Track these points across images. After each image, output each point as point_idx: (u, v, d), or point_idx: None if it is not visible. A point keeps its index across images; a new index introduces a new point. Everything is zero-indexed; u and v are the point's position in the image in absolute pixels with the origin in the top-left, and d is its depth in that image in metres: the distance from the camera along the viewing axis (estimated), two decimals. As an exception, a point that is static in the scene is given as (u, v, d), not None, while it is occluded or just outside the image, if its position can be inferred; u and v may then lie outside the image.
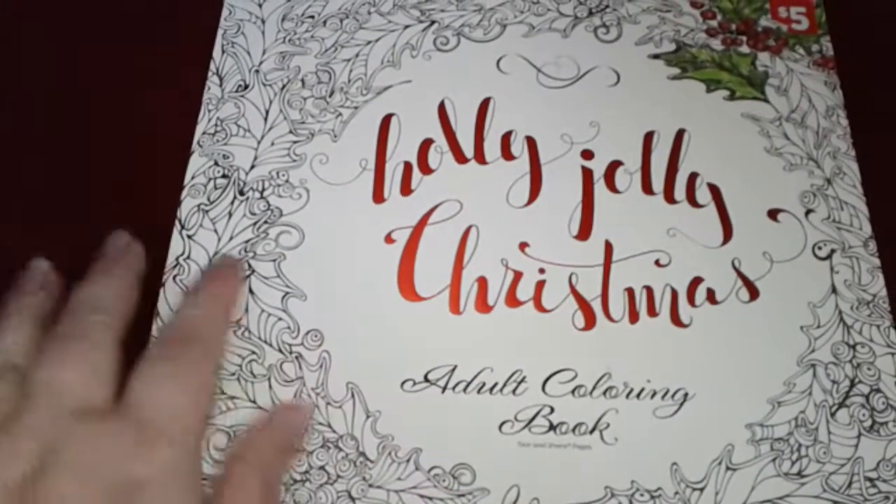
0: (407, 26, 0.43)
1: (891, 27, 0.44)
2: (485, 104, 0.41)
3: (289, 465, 0.33)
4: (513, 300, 0.37)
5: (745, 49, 0.43)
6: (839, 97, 0.41)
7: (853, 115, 0.41)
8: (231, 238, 0.38)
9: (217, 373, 0.34)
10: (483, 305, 0.37)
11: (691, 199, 0.39)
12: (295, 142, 0.40)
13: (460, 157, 0.40)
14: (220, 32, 0.42)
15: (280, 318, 0.36)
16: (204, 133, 0.40)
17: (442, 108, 0.41)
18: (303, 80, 0.41)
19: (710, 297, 0.37)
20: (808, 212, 0.39)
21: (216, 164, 0.39)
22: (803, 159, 0.40)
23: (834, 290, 0.37)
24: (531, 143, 0.40)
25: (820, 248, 0.38)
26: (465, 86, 0.41)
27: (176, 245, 0.37)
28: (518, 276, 0.37)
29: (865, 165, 0.40)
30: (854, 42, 0.43)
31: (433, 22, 0.43)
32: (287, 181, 0.39)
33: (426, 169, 0.39)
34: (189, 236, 0.37)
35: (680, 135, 0.40)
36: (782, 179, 0.39)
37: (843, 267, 0.38)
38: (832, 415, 0.35)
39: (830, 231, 0.38)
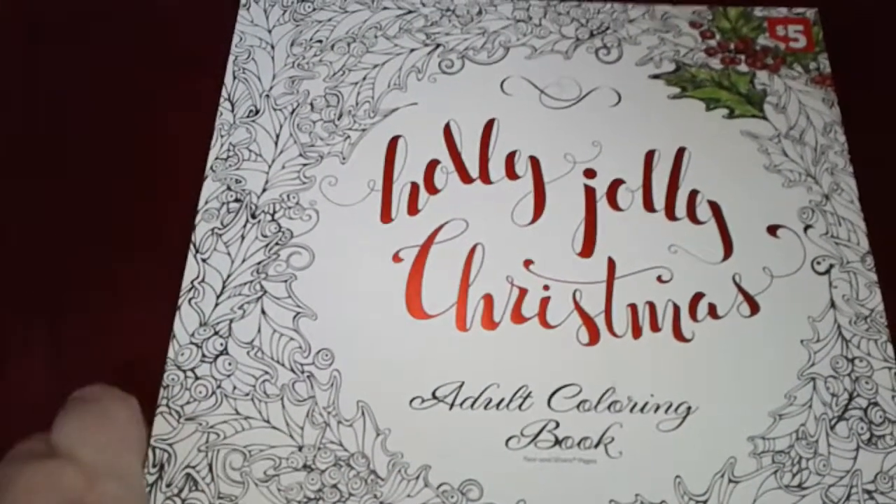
0: (413, 50, 0.44)
1: (888, 44, 0.45)
2: (489, 125, 0.42)
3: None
4: (518, 317, 0.38)
5: (743, 68, 0.43)
6: (837, 114, 0.42)
7: (851, 131, 0.42)
8: (244, 260, 0.39)
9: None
10: (489, 322, 0.38)
11: (692, 216, 0.40)
12: (304, 164, 0.41)
13: (466, 178, 0.41)
14: (231, 59, 0.43)
15: (292, 339, 0.37)
16: (217, 158, 0.41)
17: (447, 130, 0.42)
18: (312, 104, 0.42)
19: (712, 311, 0.38)
20: (806, 227, 0.40)
21: (229, 188, 0.40)
22: (802, 175, 0.41)
23: (833, 304, 0.38)
24: (535, 162, 0.41)
25: (819, 263, 0.39)
26: (469, 107, 0.42)
27: (191, 269, 0.38)
28: (523, 292, 0.38)
29: (863, 181, 0.41)
30: (851, 59, 0.44)
31: (438, 45, 0.44)
32: (297, 203, 0.40)
33: (432, 189, 0.40)
34: (203, 260, 0.39)
35: (680, 153, 0.41)
36: (781, 195, 0.40)
37: (842, 282, 0.38)
38: (832, 428, 0.36)
39: (829, 246, 0.39)
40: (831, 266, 0.39)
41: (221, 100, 0.42)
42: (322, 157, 0.41)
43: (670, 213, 0.40)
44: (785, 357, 0.37)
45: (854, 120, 0.42)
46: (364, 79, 0.43)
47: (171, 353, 0.37)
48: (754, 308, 0.38)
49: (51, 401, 0.32)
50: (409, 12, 0.45)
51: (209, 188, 0.40)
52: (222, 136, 0.41)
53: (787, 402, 0.36)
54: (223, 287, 0.38)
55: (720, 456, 0.35)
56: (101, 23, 0.46)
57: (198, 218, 0.39)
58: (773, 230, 0.40)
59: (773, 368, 0.37)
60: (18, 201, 0.41)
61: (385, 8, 0.45)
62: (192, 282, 0.38)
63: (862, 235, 0.39)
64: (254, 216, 0.39)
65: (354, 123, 0.42)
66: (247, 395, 0.36)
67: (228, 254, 0.39)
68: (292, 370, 0.36)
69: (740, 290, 0.38)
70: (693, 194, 0.40)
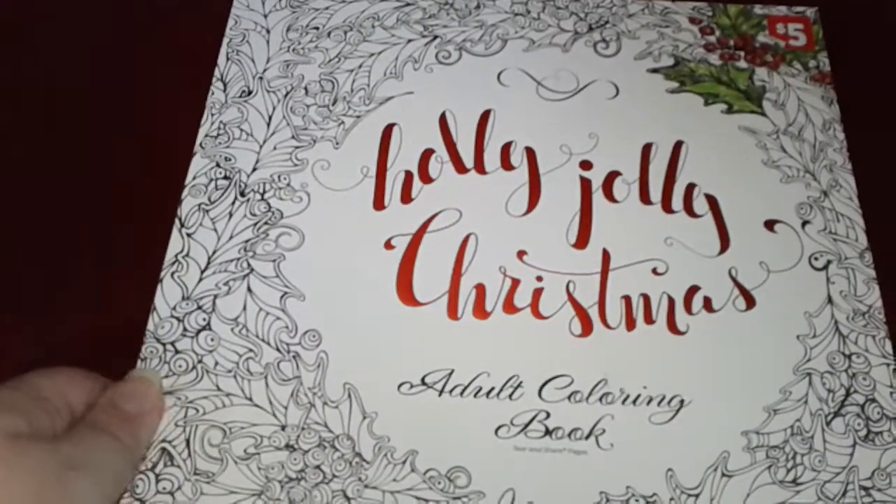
0: (410, 40, 0.43)
1: (887, 43, 0.45)
2: (485, 115, 0.42)
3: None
4: (510, 307, 0.37)
5: (742, 64, 0.43)
6: (836, 111, 0.42)
7: (850, 129, 0.41)
8: (231, 237, 0.38)
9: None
10: (481, 312, 0.37)
11: (689, 209, 0.39)
12: (297, 147, 0.40)
13: (460, 167, 0.40)
14: (225, 41, 0.43)
15: (278, 318, 0.36)
16: (206, 136, 0.40)
17: (443, 119, 0.41)
18: (306, 89, 0.42)
19: (707, 305, 0.37)
20: (804, 223, 0.39)
21: (218, 165, 0.40)
22: (800, 171, 0.40)
23: (830, 300, 0.37)
24: (530, 153, 0.41)
25: (816, 259, 0.38)
26: (466, 98, 0.42)
27: (175, 242, 0.38)
28: (516, 283, 0.37)
29: (862, 178, 0.40)
30: (851, 58, 0.44)
31: (436, 37, 0.44)
32: (288, 184, 0.39)
33: (426, 178, 0.40)
34: (189, 234, 0.38)
35: (678, 146, 0.41)
36: (779, 191, 0.40)
37: (839, 278, 0.38)
38: (827, 423, 0.35)
39: (827, 242, 0.39)
40: (829, 262, 0.38)
41: (214, 79, 0.42)
42: (315, 140, 0.40)
43: (667, 206, 0.39)
44: (780, 352, 0.36)
45: (853, 118, 0.42)
46: (360, 66, 0.43)
47: (150, 326, 0.36)
48: (750, 302, 0.37)
49: (31, 368, 0.31)
50: (408, 4, 0.45)
51: (197, 164, 0.40)
52: (213, 115, 0.41)
53: (783, 397, 0.35)
54: (208, 262, 0.37)
55: (713, 450, 0.34)
56: (98, 13, 0.46)
57: (184, 193, 0.39)
58: (770, 225, 0.39)
59: (768, 363, 0.36)
60: (8, 177, 0.41)
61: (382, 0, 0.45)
62: (175, 255, 0.37)
63: (860, 232, 0.39)
64: (243, 194, 0.39)
65: (349, 109, 0.41)
66: (229, 371, 0.35)
67: (215, 230, 0.38)
68: (278, 349, 0.36)
69: (736, 284, 0.38)
70: (690, 187, 0.40)
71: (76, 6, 0.46)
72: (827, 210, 0.39)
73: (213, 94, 0.42)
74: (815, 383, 0.36)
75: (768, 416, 0.35)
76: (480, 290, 0.37)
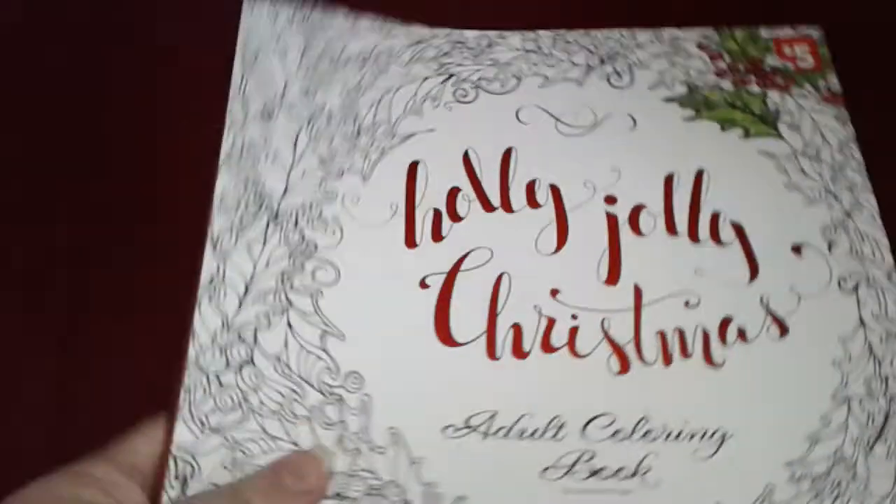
0: (426, 78, 0.44)
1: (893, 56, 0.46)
2: (507, 154, 0.42)
3: None
4: (548, 346, 0.37)
5: (755, 88, 0.44)
6: (850, 131, 0.42)
7: (867, 148, 0.42)
8: (267, 265, 0.38)
9: None
10: (519, 352, 0.37)
11: (715, 238, 0.40)
12: (325, 176, 0.40)
13: (487, 206, 0.40)
14: (237, 59, 0.43)
15: (320, 358, 0.36)
16: (228, 154, 0.40)
17: (466, 158, 0.41)
18: (328, 117, 0.42)
19: (741, 335, 0.37)
20: (830, 245, 0.39)
21: (245, 187, 0.40)
22: (822, 193, 0.41)
23: (862, 322, 0.38)
24: (555, 191, 0.41)
25: (845, 281, 0.39)
26: (487, 136, 0.42)
27: (209, 263, 0.38)
28: (551, 322, 0.38)
29: (883, 197, 0.40)
30: (861, 77, 0.44)
31: (451, 75, 0.44)
32: (320, 215, 0.39)
33: (455, 217, 0.40)
34: (223, 256, 0.38)
35: (699, 175, 0.41)
36: (803, 213, 0.40)
37: (870, 299, 0.38)
38: (870, 449, 0.35)
39: (854, 264, 0.39)
40: (858, 284, 0.39)
41: (230, 97, 0.42)
42: (343, 171, 0.40)
43: (693, 235, 0.40)
44: (817, 379, 0.36)
45: (870, 137, 0.42)
46: (380, 101, 0.43)
47: (191, 354, 0.36)
48: (783, 330, 0.37)
49: (71, 400, 0.31)
50: (419, 42, 0.45)
51: (224, 180, 0.40)
52: (233, 133, 0.41)
53: (823, 424, 0.36)
54: (246, 290, 0.37)
55: (758, 483, 0.34)
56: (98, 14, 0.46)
57: (214, 209, 0.39)
58: (797, 249, 0.39)
59: (807, 391, 0.36)
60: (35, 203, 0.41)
61: (395, 37, 0.45)
62: (211, 277, 0.37)
63: (886, 252, 0.39)
64: (276, 218, 0.39)
65: (373, 143, 0.41)
66: (274, 413, 0.35)
67: (249, 254, 0.38)
68: (321, 392, 0.36)
69: (769, 312, 0.38)
70: (715, 216, 0.40)
71: (77, 7, 0.46)
72: (852, 231, 0.40)
73: (231, 111, 0.41)
74: (855, 409, 0.36)
75: (810, 445, 0.35)
76: (517, 330, 0.37)
